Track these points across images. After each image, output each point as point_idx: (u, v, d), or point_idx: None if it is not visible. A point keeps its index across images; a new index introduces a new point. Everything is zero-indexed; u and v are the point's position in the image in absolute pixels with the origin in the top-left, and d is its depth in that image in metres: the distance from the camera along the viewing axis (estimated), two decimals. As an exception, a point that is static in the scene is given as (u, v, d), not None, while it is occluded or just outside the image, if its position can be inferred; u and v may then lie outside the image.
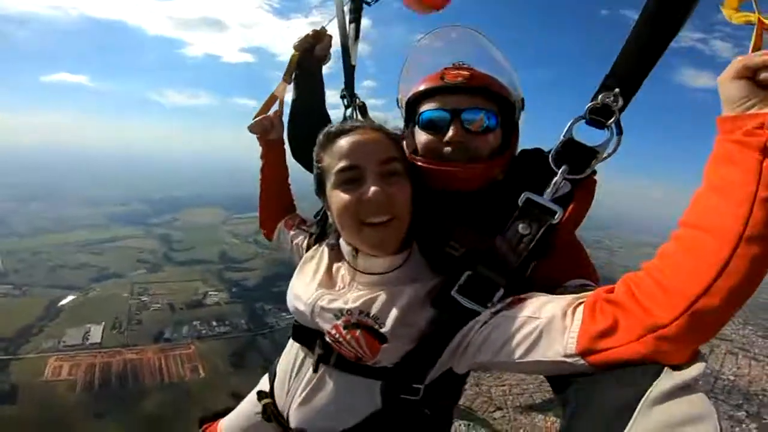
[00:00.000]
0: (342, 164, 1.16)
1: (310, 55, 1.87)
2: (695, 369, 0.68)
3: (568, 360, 0.82)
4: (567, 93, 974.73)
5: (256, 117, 1.88)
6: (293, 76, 1.89)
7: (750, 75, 0.76)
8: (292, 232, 1.81)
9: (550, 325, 0.87)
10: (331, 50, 1.94)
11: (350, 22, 1.99)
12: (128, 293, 55.37)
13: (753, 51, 0.85)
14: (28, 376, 36.27)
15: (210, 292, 59.72)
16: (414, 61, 1.49)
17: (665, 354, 0.71)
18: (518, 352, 0.91)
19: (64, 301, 51.22)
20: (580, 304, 0.87)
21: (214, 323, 51.08)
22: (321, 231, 1.57)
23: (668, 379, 0.67)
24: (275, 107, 1.94)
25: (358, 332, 1.12)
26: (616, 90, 0.98)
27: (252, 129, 1.85)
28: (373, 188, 1.10)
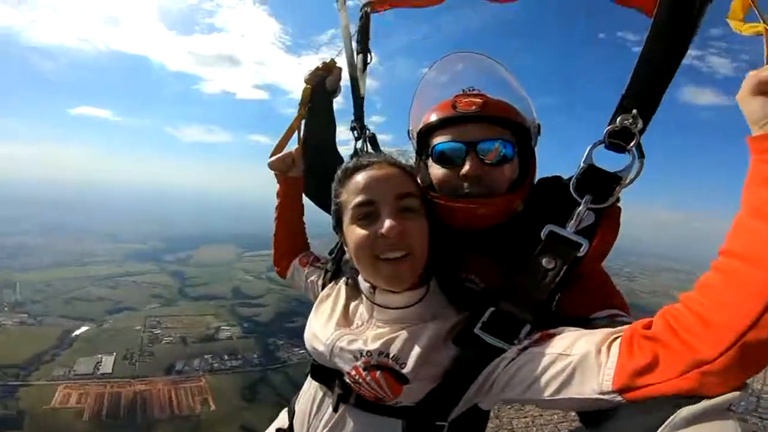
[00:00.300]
0: (358, 199, 1.15)
1: (322, 88, 1.89)
2: (730, 395, 0.65)
3: (605, 397, 0.77)
4: (573, 118, 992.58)
5: (274, 153, 1.89)
6: (307, 109, 1.90)
7: (765, 89, 0.73)
8: (306, 270, 1.80)
9: (585, 362, 0.82)
10: (341, 83, 1.99)
11: (358, 53, 2.02)
12: (141, 326, 54.82)
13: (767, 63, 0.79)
14: (35, 403, 35.53)
15: (222, 327, 58.96)
16: (424, 91, 1.45)
17: (709, 388, 0.67)
18: (549, 390, 0.87)
19: (77, 332, 50.79)
20: (616, 339, 0.82)
21: (226, 357, 50.13)
22: (336, 268, 1.57)
23: (699, 404, 0.64)
24: (291, 144, 1.96)
25: (378, 373, 1.09)
26: (634, 111, 0.94)
27: (273, 166, 1.86)
28: (388, 223, 1.08)
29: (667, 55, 0.92)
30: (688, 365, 0.68)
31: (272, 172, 1.88)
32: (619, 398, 0.76)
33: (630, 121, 0.95)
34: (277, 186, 1.92)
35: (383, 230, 1.08)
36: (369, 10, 2.03)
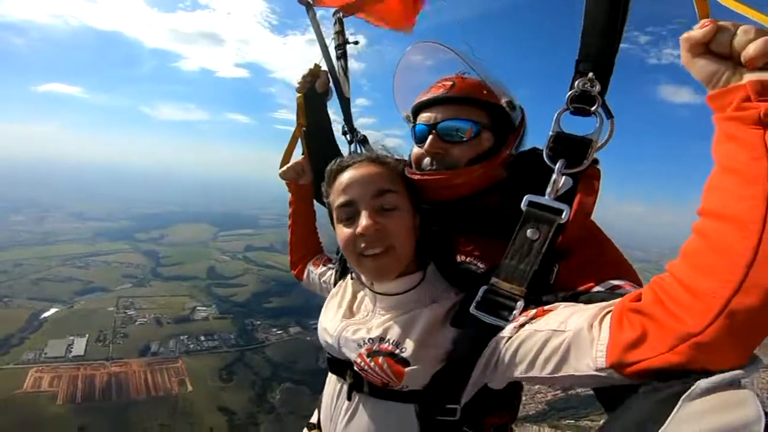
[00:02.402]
0: (339, 201, 1.23)
1: (313, 93, 1.96)
2: (741, 370, 0.63)
3: (601, 374, 0.77)
4: (548, 107, 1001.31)
5: (283, 163, 2.01)
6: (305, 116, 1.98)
7: (704, 50, 0.73)
8: (319, 270, 1.91)
9: (578, 338, 0.82)
10: (330, 85, 2.03)
11: (337, 59, 2.08)
12: (114, 307, 53.90)
13: (700, 19, 0.78)
14: (6, 388, 34.73)
15: (198, 308, 58.68)
16: (402, 80, 1.56)
17: (704, 363, 0.65)
18: (548, 368, 0.87)
19: (46, 314, 49.50)
20: (607, 314, 0.81)
21: (202, 338, 50.14)
22: (343, 266, 1.64)
23: (712, 377, 0.62)
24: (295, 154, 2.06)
25: (380, 359, 1.14)
26: (590, 74, 0.97)
27: (285, 175, 1.98)
28: (363, 222, 1.15)
29: (609, 15, 0.94)
30: (678, 338, 0.66)
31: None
32: (616, 375, 0.75)
33: (587, 83, 0.97)
34: (289, 195, 2.05)
35: (359, 230, 1.16)
36: (342, 15, 2.13)
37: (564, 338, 0.85)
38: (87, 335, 45.27)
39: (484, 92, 1.34)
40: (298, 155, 2.05)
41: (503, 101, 1.34)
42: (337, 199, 1.25)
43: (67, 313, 50.65)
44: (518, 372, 0.95)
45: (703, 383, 0.61)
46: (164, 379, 40.12)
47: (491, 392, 1.15)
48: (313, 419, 1.60)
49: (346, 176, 1.25)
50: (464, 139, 1.32)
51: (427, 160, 1.36)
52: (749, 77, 0.67)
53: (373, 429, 1.23)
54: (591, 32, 0.97)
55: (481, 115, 1.34)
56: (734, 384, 0.61)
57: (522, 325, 0.96)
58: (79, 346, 43.40)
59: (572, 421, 35.13)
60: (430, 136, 1.34)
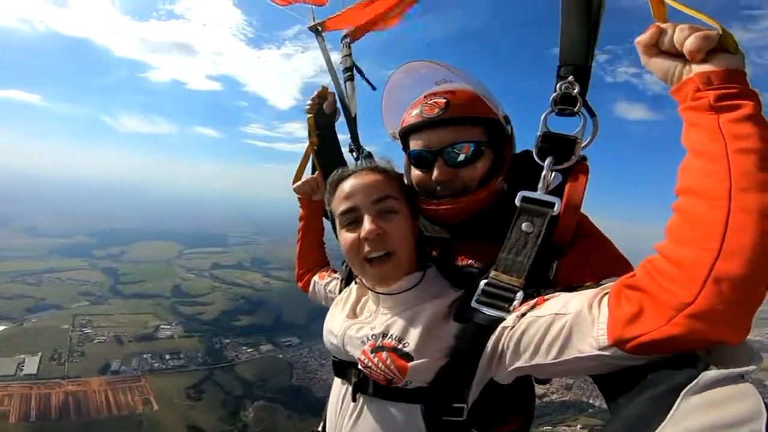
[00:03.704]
0: (342, 207, 1.27)
1: (322, 114, 2.07)
2: (745, 366, 0.63)
3: (605, 353, 0.78)
4: (530, 130, 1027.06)
5: (296, 179, 2.08)
6: (317, 135, 2.08)
7: (656, 51, 0.83)
8: (325, 280, 1.95)
9: (578, 318, 0.84)
10: (337, 105, 2.15)
11: (345, 81, 2.20)
12: (69, 325, 50.66)
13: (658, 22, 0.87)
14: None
15: (162, 326, 56.21)
16: (390, 98, 1.54)
17: (705, 334, 0.68)
18: (553, 352, 0.88)
19: (-6, 331, 45.73)
20: (605, 294, 0.84)
21: (167, 356, 48.15)
22: (349, 273, 1.65)
23: (715, 371, 0.63)
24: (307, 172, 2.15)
25: (384, 354, 1.13)
26: (570, 78, 1.06)
27: (300, 190, 2.03)
28: (367, 227, 1.19)
29: (580, 25, 1.04)
30: (674, 310, 0.69)
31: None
32: (619, 352, 0.76)
33: (567, 86, 1.05)
34: (300, 210, 2.10)
35: (363, 233, 1.19)
36: (349, 41, 2.25)
37: (565, 320, 0.86)
38: (40, 353, 42.31)
39: (479, 107, 1.32)
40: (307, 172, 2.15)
41: (500, 115, 1.34)
42: (340, 206, 1.29)
43: (16, 331, 47.19)
44: (523, 361, 0.96)
45: (706, 376, 0.62)
46: (127, 398, 38.04)
47: (499, 393, 1.13)
48: (320, 428, 1.59)
49: (348, 184, 1.29)
50: (471, 161, 1.30)
51: (437, 188, 1.34)
52: (695, 69, 0.77)
53: (378, 431, 1.20)
54: (566, 41, 1.07)
55: (480, 133, 1.31)
56: (736, 379, 0.61)
57: (523, 314, 0.97)
58: (32, 364, 40.50)
59: (549, 428, 35.64)
60: (437, 163, 1.31)
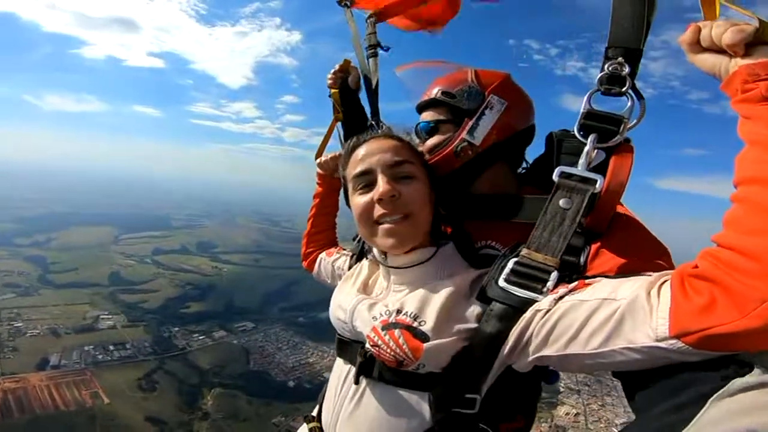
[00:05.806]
0: (357, 170, 1.22)
1: (347, 88, 2.03)
2: None
3: (661, 344, 0.69)
4: None
5: (318, 154, 2.03)
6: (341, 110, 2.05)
7: (699, 49, 0.84)
8: (333, 257, 1.87)
9: (633, 305, 0.74)
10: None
11: (367, 58, 2.17)
12: (-4, 319, 46.58)
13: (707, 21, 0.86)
14: None
15: (102, 316, 53.49)
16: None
17: None
18: (596, 341, 0.78)
19: None
20: (665, 281, 0.75)
21: (112, 348, 46.07)
22: (360, 249, 1.62)
23: (750, 376, 0.60)
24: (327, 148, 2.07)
25: (396, 332, 1.02)
26: (620, 58, 1.03)
27: (324, 166, 1.94)
28: (382, 187, 1.13)
29: (634, 8, 1.02)
30: (754, 302, 0.62)
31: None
32: (679, 344, 0.68)
33: (617, 67, 1.02)
34: (317, 187, 2.02)
35: (377, 195, 1.13)
36: (375, 20, 2.22)
37: (616, 307, 0.77)
38: (-34, 351, 38.79)
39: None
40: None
41: (464, 90, 1.41)
42: (354, 169, 1.24)
43: (-69, 329, 42.71)
44: (554, 349, 0.87)
45: (737, 382, 0.60)
46: (73, 393, 36.21)
47: (509, 387, 1.05)
48: (314, 412, 1.46)
49: (363, 148, 1.25)
50: (430, 134, 1.47)
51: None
52: (740, 63, 0.77)
53: (379, 420, 1.10)
54: (618, 21, 1.04)
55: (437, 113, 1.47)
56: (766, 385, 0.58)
57: (561, 297, 0.88)
58: (-43, 363, 37.01)
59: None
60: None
